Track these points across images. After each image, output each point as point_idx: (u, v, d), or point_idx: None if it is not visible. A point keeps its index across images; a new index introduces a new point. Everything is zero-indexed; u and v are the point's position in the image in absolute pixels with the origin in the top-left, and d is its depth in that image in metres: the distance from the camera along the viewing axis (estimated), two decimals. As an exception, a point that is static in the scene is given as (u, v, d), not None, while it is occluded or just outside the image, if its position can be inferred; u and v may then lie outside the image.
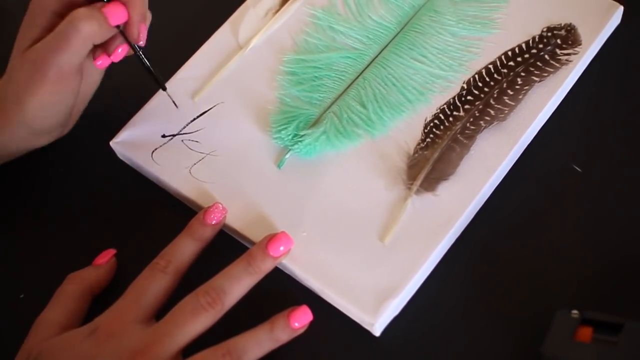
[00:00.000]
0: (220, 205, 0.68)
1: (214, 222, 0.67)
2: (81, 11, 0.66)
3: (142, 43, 0.70)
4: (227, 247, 0.69)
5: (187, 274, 0.66)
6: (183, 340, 0.61)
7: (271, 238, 0.65)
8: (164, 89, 0.73)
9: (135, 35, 0.68)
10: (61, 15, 0.67)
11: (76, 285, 0.67)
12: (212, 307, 0.62)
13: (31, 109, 0.67)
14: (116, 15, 0.67)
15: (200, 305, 0.62)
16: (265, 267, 0.64)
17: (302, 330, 0.64)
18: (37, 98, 0.67)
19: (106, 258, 0.69)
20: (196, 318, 0.61)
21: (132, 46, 0.70)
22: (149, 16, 0.70)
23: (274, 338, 0.62)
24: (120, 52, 0.70)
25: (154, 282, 0.64)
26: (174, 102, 0.73)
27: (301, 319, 0.63)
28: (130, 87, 0.77)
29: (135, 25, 0.68)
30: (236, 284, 0.63)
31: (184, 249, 0.66)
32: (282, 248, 0.65)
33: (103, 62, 0.70)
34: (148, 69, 0.71)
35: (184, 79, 0.76)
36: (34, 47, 0.67)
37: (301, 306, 0.64)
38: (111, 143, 0.73)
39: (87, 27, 0.66)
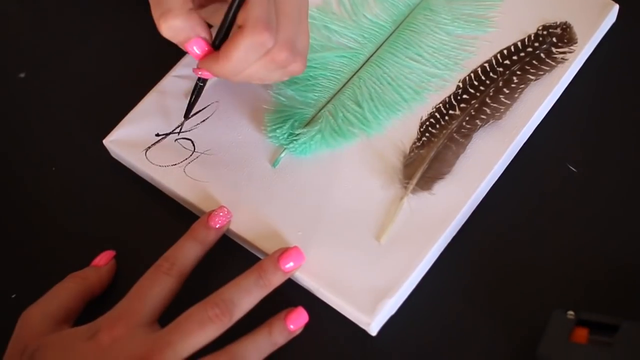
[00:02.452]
0: (226, 209, 0.67)
1: (217, 225, 0.67)
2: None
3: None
4: (221, 246, 0.68)
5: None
6: (187, 351, 0.60)
7: (283, 252, 0.65)
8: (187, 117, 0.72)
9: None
10: None
11: (77, 285, 0.66)
12: (220, 319, 0.61)
13: None
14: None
15: (207, 317, 0.61)
16: (276, 281, 0.64)
17: (298, 332, 0.63)
18: None
19: (106, 259, 0.68)
20: (203, 329, 0.60)
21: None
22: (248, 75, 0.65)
23: (273, 342, 0.62)
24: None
25: (157, 284, 0.63)
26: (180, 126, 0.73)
27: (297, 320, 0.63)
28: (123, 85, 0.77)
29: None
30: (246, 296, 0.62)
31: (188, 251, 0.65)
32: (293, 263, 0.64)
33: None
34: (194, 99, 0.70)
35: (179, 77, 0.75)
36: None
37: (297, 308, 0.64)
38: (104, 141, 0.73)
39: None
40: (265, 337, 0.62)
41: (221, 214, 0.67)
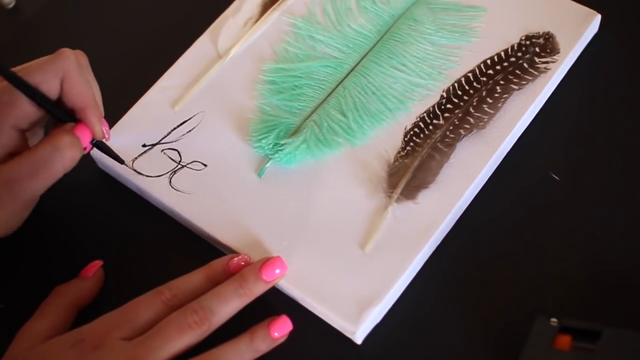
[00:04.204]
0: (248, 257, 0.67)
1: (235, 269, 0.66)
2: (64, 138, 0.65)
3: (108, 137, 0.70)
4: (205, 254, 0.69)
5: (157, 278, 0.65)
6: (165, 356, 0.61)
7: (265, 262, 0.65)
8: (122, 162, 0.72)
9: (101, 135, 0.68)
10: (20, 130, 0.66)
11: (63, 298, 0.66)
12: (198, 326, 0.61)
13: None
14: (86, 135, 0.67)
15: (187, 324, 0.61)
16: (257, 291, 0.64)
17: (282, 340, 0.64)
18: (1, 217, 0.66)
19: (93, 270, 0.68)
20: (181, 336, 0.61)
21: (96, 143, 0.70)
22: (101, 108, 0.69)
23: (254, 348, 0.62)
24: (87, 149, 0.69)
25: (151, 310, 0.63)
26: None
27: (281, 328, 0.63)
28: (111, 96, 0.77)
29: (98, 128, 0.67)
30: (224, 304, 0.63)
31: (193, 285, 0.65)
32: (277, 271, 0.65)
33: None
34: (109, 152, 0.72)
35: (164, 88, 0.76)
36: (4, 169, 0.65)
37: (281, 316, 0.64)
38: (91, 152, 0.73)
39: (70, 154, 0.65)
40: (246, 343, 0.62)
41: (242, 260, 0.66)
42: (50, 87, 0.65)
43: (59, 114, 0.66)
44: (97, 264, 0.69)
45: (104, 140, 0.70)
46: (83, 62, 0.68)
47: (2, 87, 0.65)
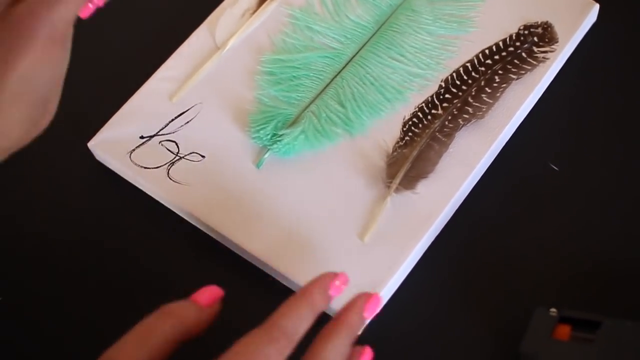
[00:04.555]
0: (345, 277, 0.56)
1: (332, 296, 0.55)
2: None
3: None
4: (206, 247, 0.69)
5: (154, 271, 0.65)
6: None
7: (367, 303, 0.55)
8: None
9: None
10: None
11: (173, 327, 0.51)
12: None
13: (15, 80, 0.54)
14: None
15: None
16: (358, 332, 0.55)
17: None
18: (23, 64, 0.54)
19: (210, 299, 0.53)
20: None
21: None
22: None
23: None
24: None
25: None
26: None
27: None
28: (107, 88, 0.77)
29: None
30: (338, 357, 0.52)
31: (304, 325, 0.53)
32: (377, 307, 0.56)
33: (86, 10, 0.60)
34: None
35: (162, 79, 0.75)
36: (20, 4, 0.55)
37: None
38: (89, 144, 0.73)
39: None
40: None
41: (341, 284, 0.55)
42: None
43: None
44: (217, 293, 0.54)
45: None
46: None
47: None
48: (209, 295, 0.54)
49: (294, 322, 0.52)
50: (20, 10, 0.55)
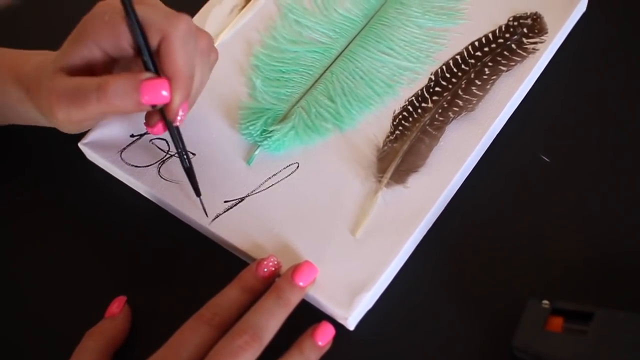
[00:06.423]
0: (275, 259, 0.65)
1: (266, 274, 0.64)
2: (118, 83, 0.61)
3: (177, 122, 0.64)
4: (197, 245, 0.69)
5: (149, 270, 0.65)
6: None
7: (295, 268, 0.64)
8: (198, 194, 0.68)
9: (174, 113, 0.63)
10: (104, 52, 0.63)
11: (96, 342, 0.63)
12: (250, 346, 0.59)
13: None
14: (155, 94, 0.61)
15: (238, 346, 0.59)
16: (295, 298, 0.63)
17: (328, 347, 0.63)
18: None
19: (119, 307, 0.65)
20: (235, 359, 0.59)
21: (166, 121, 0.64)
22: (194, 98, 0.65)
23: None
24: (161, 127, 0.65)
25: (197, 335, 0.60)
26: (204, 210, 0.69)
27: (324, 336, 0.63)
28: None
29: (175, 103, 0.62)
30: (269, 318, 0.61)
31: (231, 299, 0.63)
32: (309, 274, 0.63)
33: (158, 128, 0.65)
34: (182, 153, 0.66)
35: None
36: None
37: (321, 323, 0.63)
38: (80, 144, 0.73)
39: (117, 102, 0.61)
40: (298, 357, 0.61)
41: (270, 262, 0.64)
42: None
43: (146, 59, 0.62)
44: (122, 299, 0.66)
45: (174, 124, 0.64)
46: (202, 46, 0.65)
47: (112, 7, 0.62)
48: (117, 304, 0.65)
49: (222, 300, 0.62)
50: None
